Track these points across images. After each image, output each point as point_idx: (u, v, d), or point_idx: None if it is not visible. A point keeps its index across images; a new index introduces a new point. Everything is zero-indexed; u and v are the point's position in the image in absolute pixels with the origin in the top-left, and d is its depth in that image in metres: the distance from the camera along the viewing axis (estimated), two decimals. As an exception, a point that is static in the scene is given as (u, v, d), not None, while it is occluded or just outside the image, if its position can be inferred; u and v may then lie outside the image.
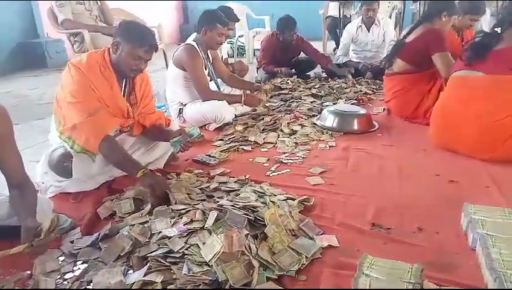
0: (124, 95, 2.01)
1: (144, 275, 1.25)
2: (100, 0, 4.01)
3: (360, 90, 3.77)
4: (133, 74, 1.96)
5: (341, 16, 6.04)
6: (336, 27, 6.25)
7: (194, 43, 2.88)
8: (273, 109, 3.20)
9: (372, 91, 3.81)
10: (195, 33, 2.96)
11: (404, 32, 3.16)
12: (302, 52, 4.51)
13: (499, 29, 2.25)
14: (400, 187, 1.94)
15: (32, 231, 1.30)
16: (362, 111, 2.89)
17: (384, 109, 3.23)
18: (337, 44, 6.36)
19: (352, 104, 3.32)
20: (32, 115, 3.34)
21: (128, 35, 1.87)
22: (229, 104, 2.91)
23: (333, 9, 6.31)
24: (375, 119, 2.93)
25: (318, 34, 6.73)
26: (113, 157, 1.87)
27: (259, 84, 3.76)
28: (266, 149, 2.49)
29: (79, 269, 1.36)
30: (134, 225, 1.53)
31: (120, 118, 1.99)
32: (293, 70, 4.43)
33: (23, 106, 3.77)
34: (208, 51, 3.01)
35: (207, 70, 2.98)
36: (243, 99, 3.02)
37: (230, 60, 4.37)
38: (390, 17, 5.41)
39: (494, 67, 2.17)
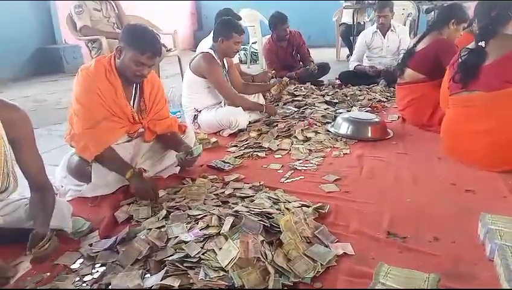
0: (133, 101, 2.02)
1: (161, 279, 1.27)
2: (117, 8, 4.09)
3: (374, 98, 3.76)
4: (136, 80, 1.95)
5: (355, 23, 6.04)
6: (349, 34, 6.25)
7: (211, 51, 2.91)
8: (287, 116, 3.22)
9: (387, 98, 3.80)
10: (207, 38, 3.00)
11: (413, 41, 3.10)
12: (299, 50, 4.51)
13: (482, 43, 2.18)
14: (415, 196, 1.93)
15: (38, 238, 1.34)
16: (376, 119, 2.87)
17: (398, 117, 3.21)
18: (351, 51, 6.37)
19: (366, 111, 3.32)
20: (50, 119, 3.42)
21: (131, 40, 1.85)
22: (252, 110, 3.04)
23: (347, 17, 6.32)
24: (389, 127, 2.92)
25: (332, 41, 6.75)
26: (107, 166, 1.92)
27: (274, 78, 3.74)
28: (280, 156, 2.49)
29: (97, 271, 1.38)
30: (151, 229, 1.56)
31: (126, 123, 2.00)
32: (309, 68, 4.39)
33: (41, 110, 3.86)
34: (224, 59, 3.04)
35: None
36: (264, 107, 3.15)
37: (243, 67, 4.38)
38: (404, 24, 5.37)
39: (489, 83, 2.13)
